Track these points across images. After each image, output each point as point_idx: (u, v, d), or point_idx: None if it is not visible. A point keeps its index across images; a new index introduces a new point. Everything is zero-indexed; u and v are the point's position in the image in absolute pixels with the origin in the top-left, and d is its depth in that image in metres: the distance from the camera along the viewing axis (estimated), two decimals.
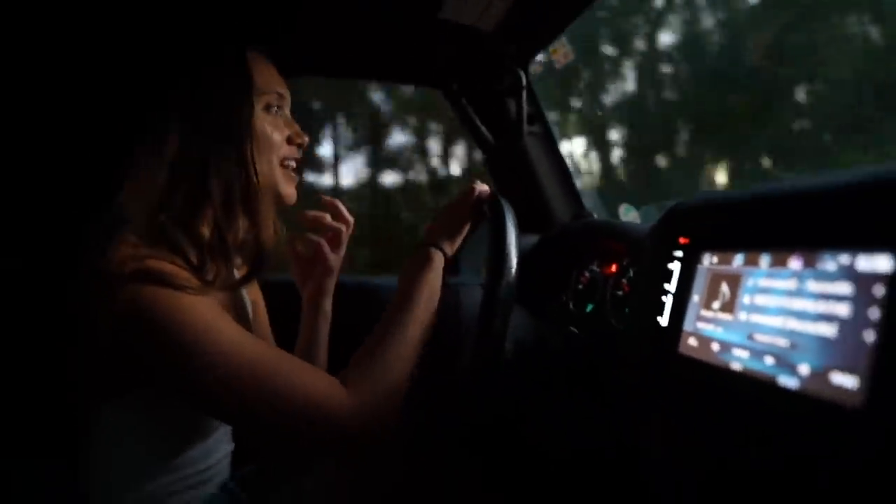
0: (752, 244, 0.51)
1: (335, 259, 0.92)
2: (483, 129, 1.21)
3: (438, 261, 0.78)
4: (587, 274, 1.06)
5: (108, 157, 0.65)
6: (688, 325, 0.57)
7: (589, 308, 1.01)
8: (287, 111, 0.79)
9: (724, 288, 0.53)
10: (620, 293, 0.94)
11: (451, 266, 0.83)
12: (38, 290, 0.63)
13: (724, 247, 0.54)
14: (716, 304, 0.54)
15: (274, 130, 0.74)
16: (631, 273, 0.92)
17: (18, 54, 0.78)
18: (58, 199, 0.66)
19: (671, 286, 0.61)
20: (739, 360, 0.49)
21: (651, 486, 0.59)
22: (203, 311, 0.59)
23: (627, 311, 0.89)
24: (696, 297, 0.57)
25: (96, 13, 0.79)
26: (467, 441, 0.87)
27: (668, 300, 0.61)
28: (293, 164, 0.78)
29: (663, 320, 0.61)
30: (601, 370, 0.81)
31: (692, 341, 0.56)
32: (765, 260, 0.49)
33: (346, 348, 0.91)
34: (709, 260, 0.56)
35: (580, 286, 1.07)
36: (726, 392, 0.49)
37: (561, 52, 1.12)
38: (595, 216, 1.22)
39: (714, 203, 0.58)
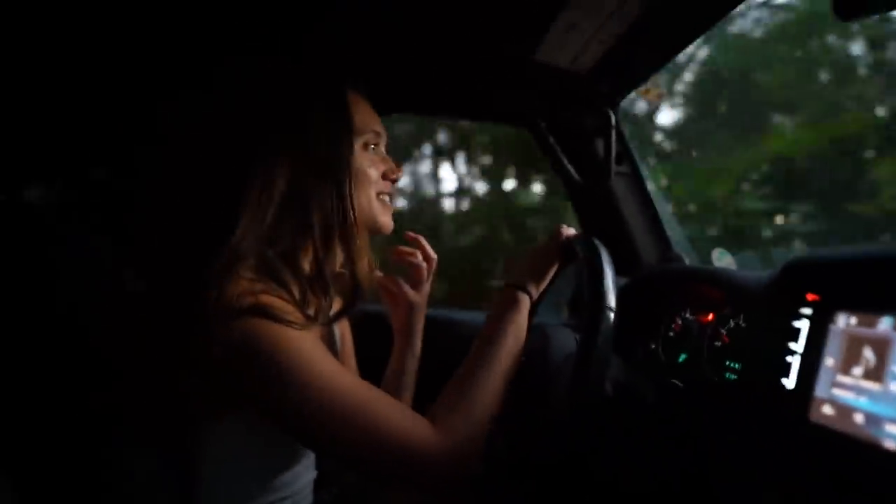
0: None
1: (416, 296, 0.92)
2: (570, 167, 1.20)
3: (525, 303, 0.78)
4: (679, 321, 1.01)
5: (225, 195, 0.68)
6: (820, 391, 0.53)
7: (682, 358, 0.96)
8: (383, 148, 0.82)
9: (868, 353, 0.49)
10: (719, 344, 0.89)
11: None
12: (158, 314, 0.66)
13: (867, 308, 0.50)
14: (857, 371, 0.50)
15: (370, 167, 0.77)
16: (732, 324, 0.87)
17: (143, 113, 0.86)
18: (182, 233, 0.70)
19: (797, 346, 0.56)
20: (894, 437, 0.44)
21: None
22: (306, 345, 0.61)
23: (729, 363, 0.84)
24: (829, 361, 0.53)
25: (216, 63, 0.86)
26: (551, 482, 0.84)
27: (793, 361, 0.56)
28: (387, 197, 0.81)
29: (788, 382, 0.56)
30: (701, 425, 0.76)
31: (827, 409, 0.51)
32: None
33: (422, 379, 0.92)
34: (845, 321, 0.52)
35: (671, 333, 1.02)
36: (875, 470, 0.45)
37: (654, 92, 1.10)
38: (685, 259, 1.17)
39: (851, 258, 0.54)
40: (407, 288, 0.92)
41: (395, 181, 0.82)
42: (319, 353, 0.62)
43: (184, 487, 0.61)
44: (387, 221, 0.80)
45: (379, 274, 0.93)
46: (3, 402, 0.62)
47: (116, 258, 0.80)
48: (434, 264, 0.95)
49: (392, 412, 0.63)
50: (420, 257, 0.93)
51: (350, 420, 0.60)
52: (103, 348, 0.68)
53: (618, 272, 1.19)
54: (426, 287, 0.94)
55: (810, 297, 0.56)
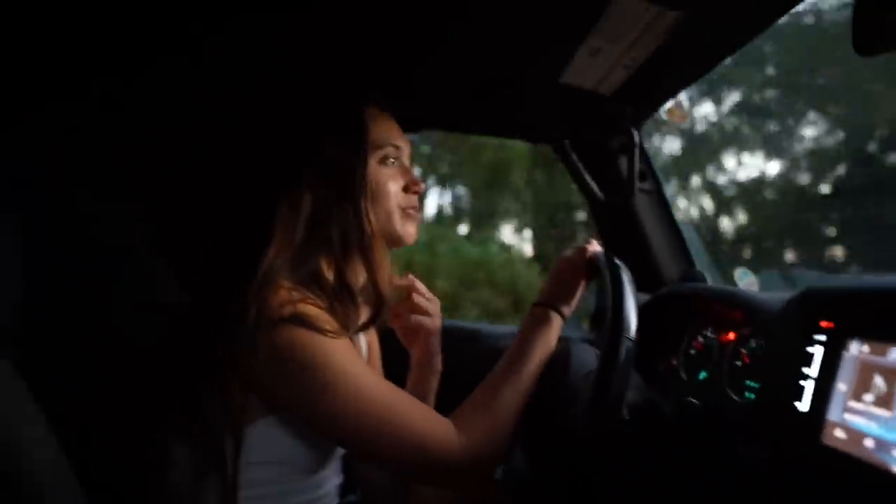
0: None
1: (432, 322, 0.93)
2: (593, 184, 1.23)
3: (557, 322, 0.81)
4: (701, 339, 1.02)
5: (259, 214, 0.72)
6: (833, 415, 0.55)
7: (702, 375, 0.98)
8: (405, 160, 0.84)
9: (879, 381, 0.51)
10: (739, 363, 0.90)
11: None
12: (201, 324, 0.71)
13: (879, 337, 0.52)
14: (868, 397, 0.52)
15: (389, 181, 0.79)
16: (752, 344, 0.89)
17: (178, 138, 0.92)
18: (222, 251, 0.76)
19: (811, 371, 0.58)
20: None
21: None
22: (341, 352, 0.66)
23: (749, 383, 0.85)
24: (841, 387, 0.55)
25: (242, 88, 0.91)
26: (567, 497, 0.86)
27: (807, 385, 0.58)
28: (412, 210, 0.83)
29: (802, 405, 0.58)
30: (719, 442, 0.78)
31: (839, 433, 0.53)
32: None
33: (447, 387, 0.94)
34: (857, 348, 0.54)
35: (692, 351, 1.03)
36: (884, 494, 0.47)
37: (677, 113, 1.12)
38: (707, 277, 1.19)
39: (864, 288, 0.56)
40: (426, 320, 0.91)
41: (417, 194, 0.83)
42: (353, 360, 0.67)
43: (223, 485, 0.66)
44: (409, 233, 0.82)
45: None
46: (72, 400, 0.67)
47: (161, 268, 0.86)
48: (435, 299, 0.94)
49: (419, 414, 0.67)
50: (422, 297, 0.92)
51: (380, 422, 0.64)
52: (155, 353, 0.73)
53: (640, 288, 1.21)
54: (438, 319, 0.93)
55: (824, 324, 0.57)
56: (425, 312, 0.91)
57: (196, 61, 0.88)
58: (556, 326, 0.79)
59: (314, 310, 0.66)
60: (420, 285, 0.93)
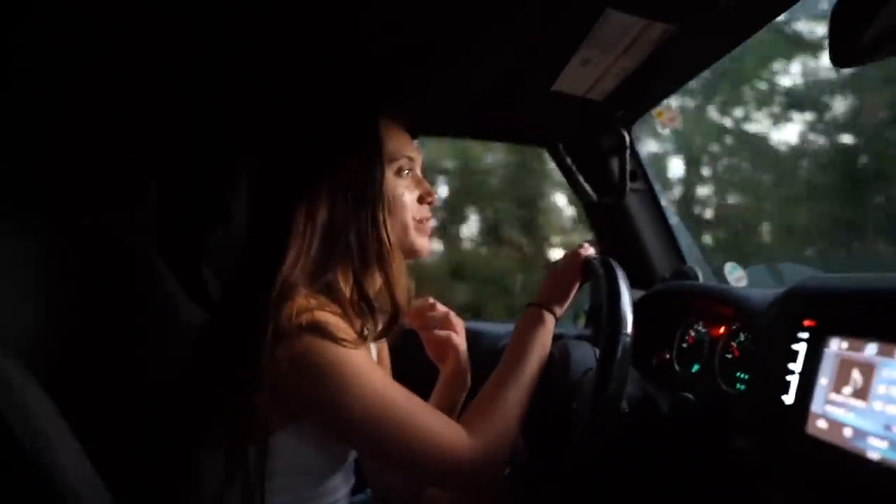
0: (888, 335, 0.53)
1: (459, 339, 0.93)
2: (585, 185, 1.27)
3: (550, 322, 0.84)
4: (693, 334, 1.07)
5: (272, 230, 0.74)
6: (815, 407, 0.59)
7: (695, 368, 1.02)
8: (418, 171, 0.86)
9: (856, 375, 0.55)
10: (730, 356, 0.95)
11: None
12: (222, 335, 0.74)
13: (856, 334, 0.56)
14: (847, 390, 0.56)
15: (405, 192, 0.81)
16: (742, 337, 0.93)
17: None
18: (240, 264, 0.78)
19: (796, 366, 0.63)
20: (877, 449, 0.51)
21: None
22: (358, 361, 0.68)
23: (739, 375, 0.90)
24: (823, 381, 0.59)
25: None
26: (571, 489, 0.90)
27: (792, 379, 0.63)
28: (426, 221, 0.85)
29: (788, 398, 0.62)
30: (712, 433, 0.82)
31: (821, 423, 0.58)
32: None
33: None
34: (837, 345, 0.58)
35: (685, 345, 1.08)
36: (861, 479, 0.51)
37: (666, 115, 1.16)
38: (698, 271, 1.23)
39: (843, 288, 0.60)
40: (456, 339, 0.91)
41: (431, 204, 0.85)
42: (369, 367, 0.69)
43: (249, 494, 0.68)
44: (424, 245, 0.84)
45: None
46: (97, 405, 0.70)
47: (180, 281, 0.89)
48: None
49: (432, 419, 0.70)
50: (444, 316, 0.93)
51: (397, 427, 0.67)
52: (179, 365, 0.76)
53: (633, 285, 1.25)
54: (462, 333, 0.94)
55: (807, 322, 0.62)
56: (451, 328, 0.91)
57: (211, 71, 0.90)
58: (549, 326, 0.83)
59: (332, 318, 0.68)
60: (439, 305, 0.94)
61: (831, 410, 0.57)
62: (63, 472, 0.57)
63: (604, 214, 1.30)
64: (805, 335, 0.62)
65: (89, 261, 0.76)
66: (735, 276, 1.15)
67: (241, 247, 0.82)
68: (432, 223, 0.86)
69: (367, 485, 0.99)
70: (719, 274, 1.25)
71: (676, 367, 1.07)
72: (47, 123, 0.86)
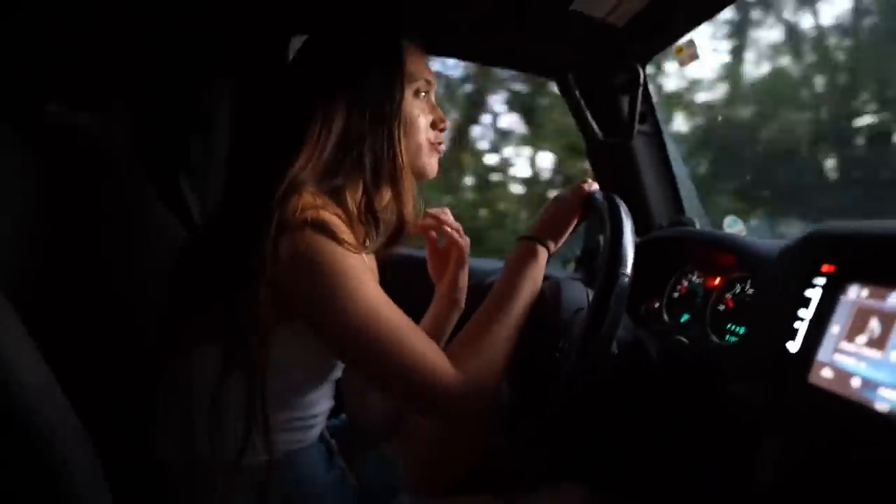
0: None
1: (465, 245, 0.94)
2: (592, 122, 1.20)
3: (543, 256, 0.81)
4: (686, 283, 1.04)
5: (288, 130, 0.72)
6: (822, 356, 0.56)
7: (684, 318, 1.00)
8: (433, 96, 0.85)
9: (874, 324, 0.52)
10: (723, 308, 0.92)
11: None
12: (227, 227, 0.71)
13: (879, 281, 0.53)
14: (861, 339, 0.53)
15: (420, 114, 0.80)
16: (738, 289, 0.90)
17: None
18: (248, 163, 0.76)
19: (806, 313, 0.59)
20: (887, 401, 0.48)
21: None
22: (356, 267, 0.66)
23: (731, 327, 0.88)
24: (835, 328, 0.56)
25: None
26: (558, 426, 0.89)
27: (800, 326, 0.60)
28: (439, 145, 0.84)
29: (793, 346, 0.59)
30: (702, 380, 0.80)
31: (826, 372, 0.55)
32: None
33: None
34: (856, 292, 0.55)
35: (676, 294, 1.05)
36: (866, 431, 0.49)
37: (686, 51, 1.08)
38: (696, 222, 1.19)
39: (869, 233, 0.56)
40: (461, 240, 0.93)
41: (442, 130, 0.84)
42: (366, 277, 0.67)
43: (248, 386, 0.66)
44: (433, 166, 0.84)
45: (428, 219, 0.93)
46: (85, 317, 0.66)
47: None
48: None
49: (419, 340, 0.68)
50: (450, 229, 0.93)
51: (383, 340, 0.65)
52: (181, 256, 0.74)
53: None
54: (466, 248, 0.94)
55: (826, 267, 0.58)
56: (458, 232, 0.93)
57: None
58: (542, 261, 0.79)
59: (335, 219, 0.67)
60: (450, 217, 0.94)
61: (840, 359, 0.54)
62: (30, 397, 0.52)
63: (607, 154, 1.24)
64: (821, 280, 0.58)
65: (58, 160, 0.69)
66: (735, 228, 1.12)
67: (223, 159, 0.77)
68: (443, 147, 0.86)
69: (343, 410, 0.96)
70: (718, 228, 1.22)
71: (665, 317, 1.04)
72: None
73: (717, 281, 0.96)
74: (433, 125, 0.83)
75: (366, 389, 0.93)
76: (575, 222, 0.84)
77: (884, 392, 0.49)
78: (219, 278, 0.69)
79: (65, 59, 0.91)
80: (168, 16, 0.93)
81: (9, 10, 0.80)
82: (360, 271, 0.67)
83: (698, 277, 1.01)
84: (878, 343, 0.51)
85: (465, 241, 0.94)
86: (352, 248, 0.66)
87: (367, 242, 0.74)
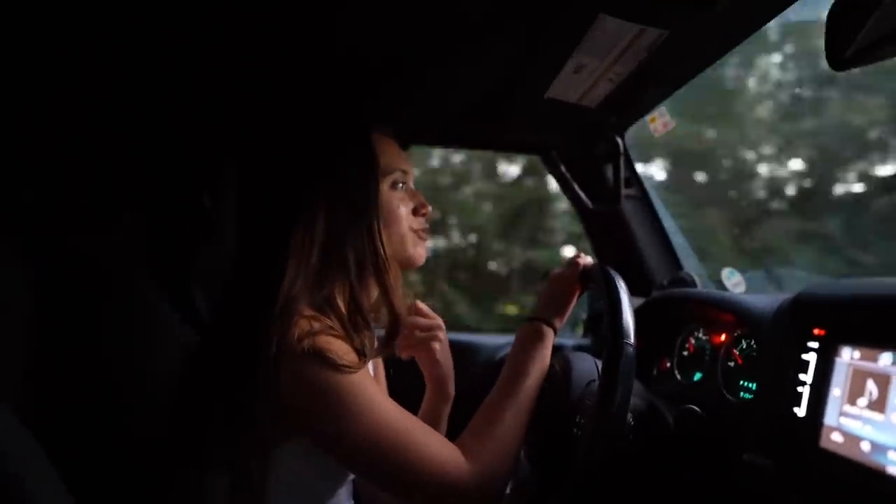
0: None
1: (440, 339, 0.91)
2: (581, 193, 1.25)
3: (549, 336, 0.83)
4: (693, 341, 1.05)
5: (274, 240, 0.73)
6: (829, 420, 0.57)
7: (697, 377, 1.00)
8: (411, 184, 0.86)
9: (871, 386, 0.53)
10: (732, 364, 0.93)
11: None
12: (221, 353, 0.71)
13: (868, 343, 0.55)
14: (862, 402, 0.54)
15: (400, 204, 0.81)
16: (744, 345, 0.91)
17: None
18: (238, 279, 0.77)
19: (807, 377, 0.61)
20: None
21: None
22: (359, 384, 0.67)
23: (743, 383, 0.88)
24: (836, 392, 0.57)
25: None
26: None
27: (804, 391, 0.61)
28: (423, 232, 0.85)
29: (800, 410, 0.61)
30: (719, 445, 0.80)
31: (836, 437, 0.56)
32: None
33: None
34: (849, 354, 0.57)
35: (686, 353, 1.06)
36: (882, 495, 0.49)
37: (659, 121, 1.14)
38: (695, 277, 1.22)
39: (854, 294, 0.59)
40: (439, 349, 0.90)
41: (424, 216, 0.85)
42: (370, 389, 0.68)
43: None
44: (419, 254, 0.84)
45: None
46: (84, 420, 0.67)
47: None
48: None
49: (430, 441, 0.68)
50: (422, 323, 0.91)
51: (394, 449, 0.66)
52: (181, 382, 0.74)
53: (631, 293, 1.24)
54: (446, 343, 0.92)
55: (817, 331, 0.60)
56: (428, 329, 0.90)
57: (195, 86, 0.88)
58: (548, 341, 0.81)
59: (334, 342, 0.68)
60: (423, 306, 0.93)
61: (846, 423, 0.55)
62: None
63: (600, 222, 1.29)
64: (815, 344, 0.60)
65: (65, 286, 0.73)
66: (732, 281, 1.14)
67: (231, 264, 0.80)
68: (426, 235, 0.86)
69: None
70: (715, 280, 1.24)
71: (678, 376, 1.05)
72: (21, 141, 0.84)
73: (723, 338, 0.97)
74: (415, 212, 0.83)
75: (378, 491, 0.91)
76: (575, 297, 0.87)
77: (893, 455, 0.49)
78: (219, 401, 0.69)
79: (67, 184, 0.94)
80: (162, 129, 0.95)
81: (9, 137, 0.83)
82: (363, 388, 0.67)
83: (704, 335, 1.02)
84: (877, 406, 0.52)
85: (442, 336, 0.90)
86: (352, 368, 0.66)
87: (366, 348, 0.73)
